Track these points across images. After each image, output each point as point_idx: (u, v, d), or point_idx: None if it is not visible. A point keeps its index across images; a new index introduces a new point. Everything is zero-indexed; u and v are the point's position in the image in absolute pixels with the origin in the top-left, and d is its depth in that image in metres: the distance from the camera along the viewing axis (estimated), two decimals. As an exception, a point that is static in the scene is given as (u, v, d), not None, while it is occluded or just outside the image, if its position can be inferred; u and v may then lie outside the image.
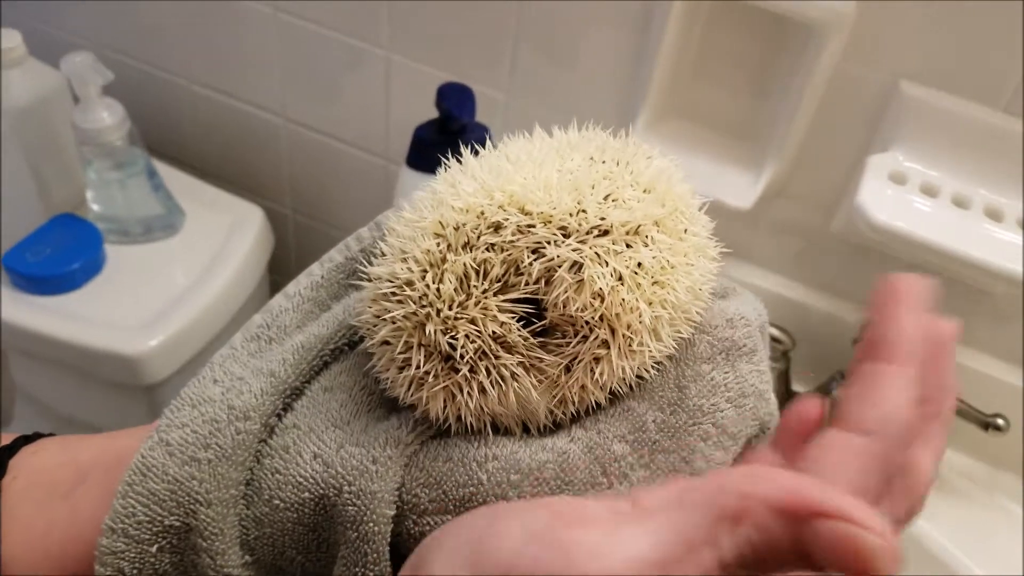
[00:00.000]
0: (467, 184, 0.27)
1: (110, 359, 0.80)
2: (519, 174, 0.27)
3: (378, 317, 0.27)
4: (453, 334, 0.26)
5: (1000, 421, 0.66)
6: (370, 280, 0.28)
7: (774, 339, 0.70)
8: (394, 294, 0.26)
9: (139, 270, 0.86)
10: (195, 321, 0.83)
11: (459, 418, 0.27)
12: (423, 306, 0.26)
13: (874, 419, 0.23)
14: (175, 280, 0.86)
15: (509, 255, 0.26)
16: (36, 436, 0.37)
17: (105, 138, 0.80)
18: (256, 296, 0.93)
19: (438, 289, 0.26)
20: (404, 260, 0.27)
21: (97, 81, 0.78)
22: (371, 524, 0.28)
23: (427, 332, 0.26)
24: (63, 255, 0.82)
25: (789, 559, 0.19)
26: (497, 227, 0.26)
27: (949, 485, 0.74)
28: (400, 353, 0.26)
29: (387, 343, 0.27)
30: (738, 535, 0.19)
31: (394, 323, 0.26)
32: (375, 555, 0.28)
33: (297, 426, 0.31)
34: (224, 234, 0.90)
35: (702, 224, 0.30)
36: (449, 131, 0.67)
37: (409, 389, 0.27)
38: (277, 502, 0.29)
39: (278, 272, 1.09)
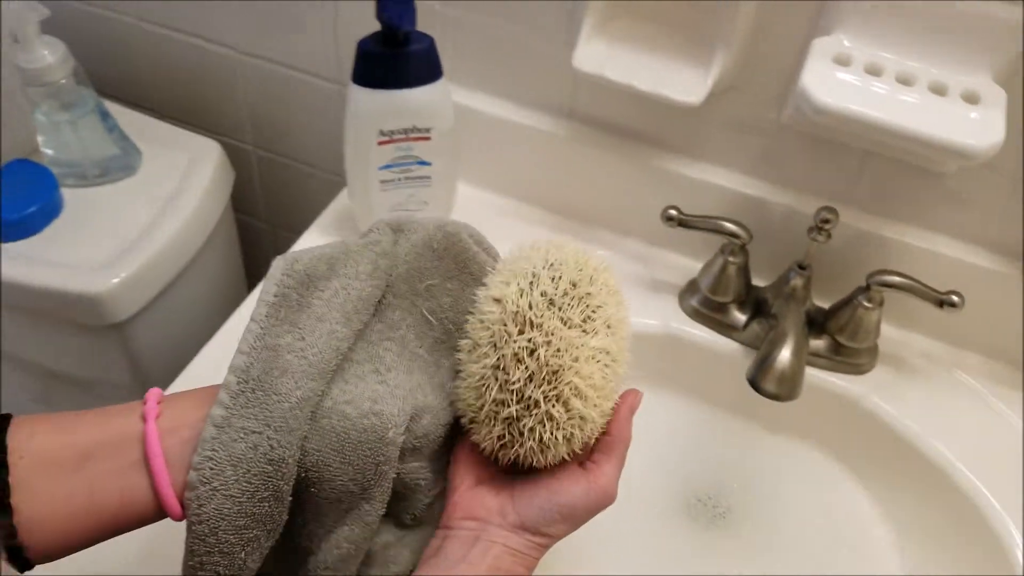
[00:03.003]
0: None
1: (75, 300, 0.80)
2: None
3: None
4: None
5: (955, 298, 0.67)
6: None
7: (732, 234, 0.71)
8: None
9: (98, 212, 0.86)
10: (157, 257, 0.83)
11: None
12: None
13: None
14: (135, 219, 0.86)
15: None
16: (6, 417, 0.41)
17: (48, 77, 0.79)
18: (220, 231, 0.93)
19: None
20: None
21: (32, 18, 0.76)
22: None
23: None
24: (19, 200, 0.82)
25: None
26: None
27: (909, 366, 0.75)
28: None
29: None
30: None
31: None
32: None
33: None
34: (182, 171, 0.89)
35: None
36: (392, 42, 0.66)
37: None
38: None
39: (245, 210, 1.09)
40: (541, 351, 0.43)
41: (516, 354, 0.43)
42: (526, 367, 0.43)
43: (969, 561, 0.67)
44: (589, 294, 0.45)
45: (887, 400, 0.73)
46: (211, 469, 0.40)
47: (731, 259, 0.73)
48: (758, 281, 0.76)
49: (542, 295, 0.44)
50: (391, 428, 0.44)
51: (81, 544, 0.41)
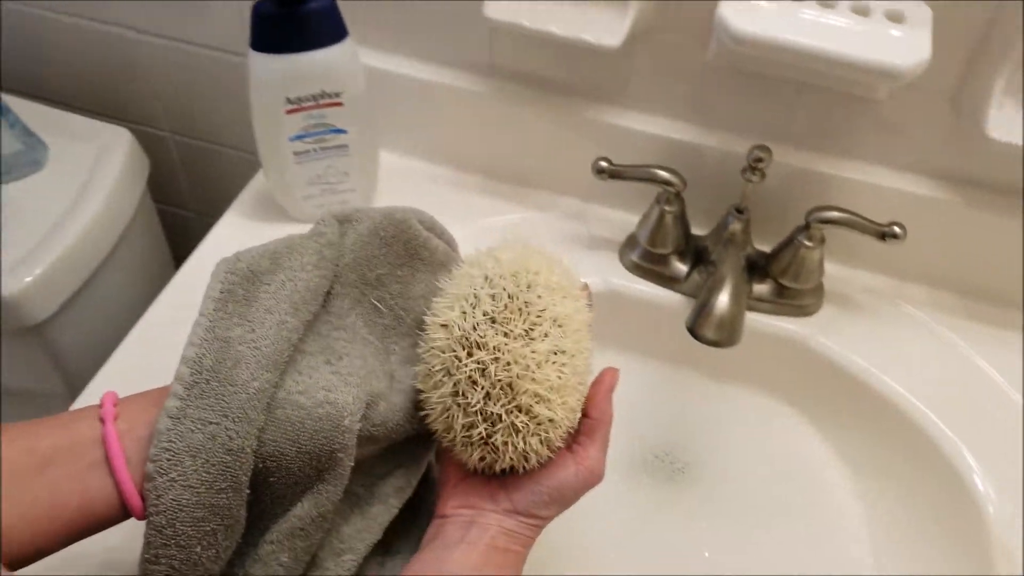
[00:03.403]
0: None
1: (-15, 304, 0.75)
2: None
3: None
4: None
5: (897, 229, 0.65)
6: None
7: (665, 182, 0.68)
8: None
9: (6, 210, 0.81)
10: (71, 252, 0.79)
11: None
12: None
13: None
14: (46, 215, 0.81)
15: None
16: None
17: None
18: (138, 222, 0.88)
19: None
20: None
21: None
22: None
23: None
24: (-84, 204, 0.77)
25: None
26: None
27: (854, 303, 0.73)
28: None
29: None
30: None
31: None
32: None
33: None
34: (92, 162, 0.85)
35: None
36: (289, 1, 0.62)
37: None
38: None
39: (170, 201, 1.04)
40: (491, 368, 0.44)
41: (470, 377, 0.44)
42: (481, 387, 0.44)
43: (925, 492, 0.66)
44: (528, 303, 0.46)
45: (834, 339, 0.71)
46: (168, 460, 0.40)
47: (667, 208, 0.70)
48: (698, 230, 0.74)
49: (484, 314, 0.45)
50: (346, 416, 0.44)
51: (49, 548, 0.42)
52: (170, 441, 0.40)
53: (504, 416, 0.44)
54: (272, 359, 0.44)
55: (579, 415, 0.49)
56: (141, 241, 0.90)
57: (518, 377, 0.44)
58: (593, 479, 0.49)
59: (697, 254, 0.73)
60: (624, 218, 0.77)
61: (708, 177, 0.72)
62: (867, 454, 0.71)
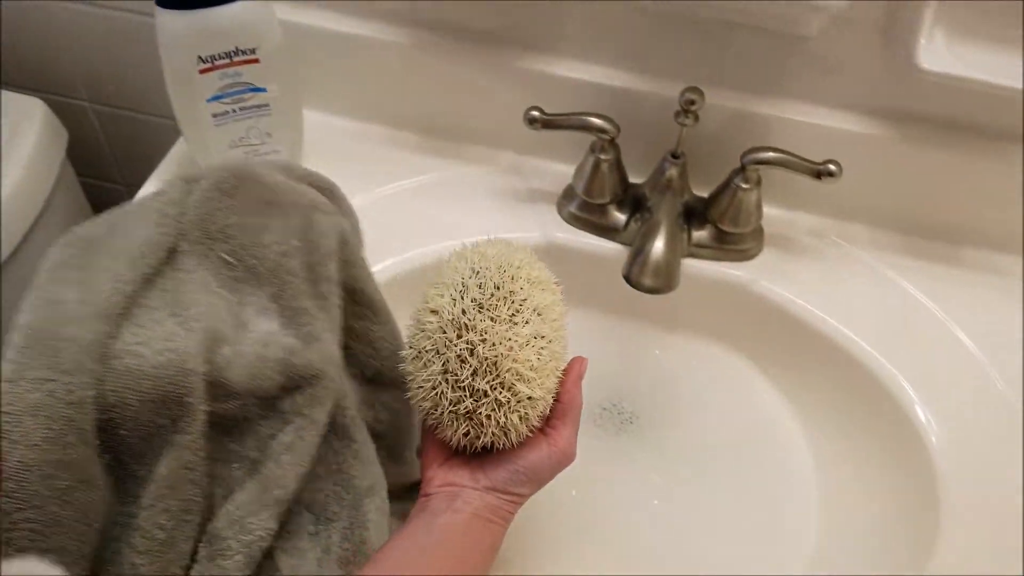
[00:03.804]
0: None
1: None
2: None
3: None
4: None
5: (832, 167, 0.64)
6: None
7: (599, 129, 0.67)
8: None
9: (-86, 191, 0.77)
10: (-14, 231, 0.75)
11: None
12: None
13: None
14: (-43, 193, 0.77)
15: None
16: None
17: None
18: (58, 197, 0.85)
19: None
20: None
21: None
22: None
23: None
24: None
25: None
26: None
27: (796, 245, 0.73)
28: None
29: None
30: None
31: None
32: None
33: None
34: (5, 135, 0.81)
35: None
36: (192, -46, 0.59)
37: None
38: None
39: (97, 175, 1.00)
40: (479, 348, 0.48)
41: (459, 355, 0.48)
42: (469, 364, 0.48)
43: (869, 426, 0.66)
44: (512, 292, 0.50)
45: (776, 282, 0.70)
46: (8, 422, 0.40)
47: (602, 156, 0.68)
48: (636, 178, 0.72)
49: (472, 301, 0.49)
50: (189, 360, 0.45)
51: None
52: (9, 404, 0.40)
53: (489, 392, 0.48)
54: (105, 310, 0.44)
55: (551, 400, 0.52)
56: (65, 217, 0.87)
57: (502, 357, 0.48)
58: (565, 460, 0.52)
59: (635, 202, 0.71)
60: (563, 170, 0.76)
61: (643, 123, 0.71)
62: (813, 394, 0.71)
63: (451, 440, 0.50)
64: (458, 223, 0.72)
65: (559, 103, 0.68)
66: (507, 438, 0.50)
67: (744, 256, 0.71)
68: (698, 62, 0.69)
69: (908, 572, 0.58)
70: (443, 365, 0.49)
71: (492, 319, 0.49)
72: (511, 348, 0.48)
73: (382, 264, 0.68)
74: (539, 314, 0.50)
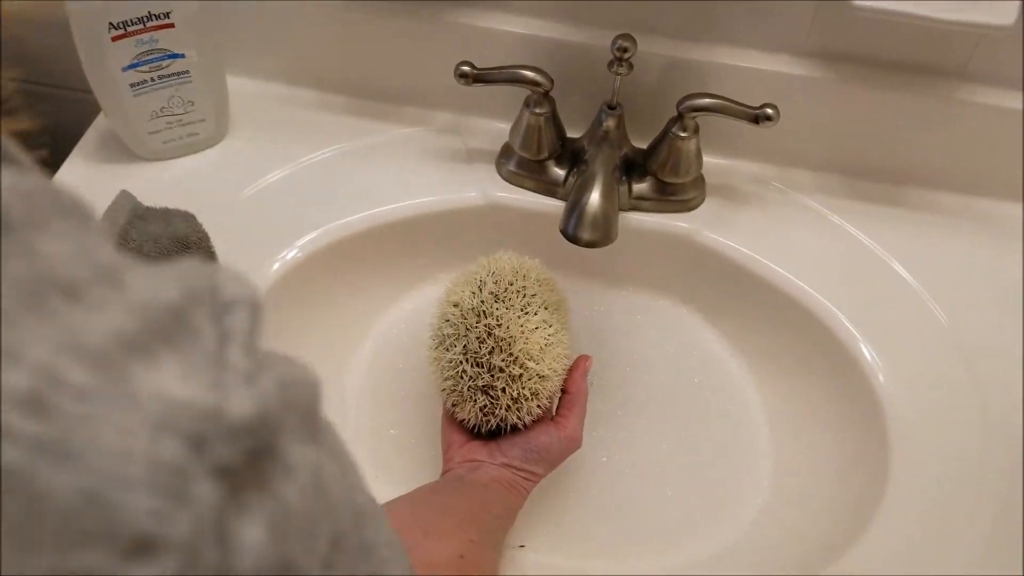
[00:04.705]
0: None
1: None
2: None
3: None
4: None
5: (769, 111, 0.63)
6: None
7: (532, 82, 0.65)
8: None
9: None
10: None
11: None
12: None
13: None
14: None
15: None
16: None
17: None
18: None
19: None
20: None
21: None
22: None
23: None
24: None
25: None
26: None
27: (739, 193, 0.72)
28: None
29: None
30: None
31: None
32: None
33: None
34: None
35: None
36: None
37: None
38: None
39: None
40: (496, 331, 0.56)
41: (479, 336, 0.57)
42: (487, 344, 0.56)
43: (818, 371, 0.66)
44: (525, 287, 0.59)
45: (720, 232, 0.70)
46: None
47: (537, 111, 0.67)
48: (575, 133, 0.71)
49: (490, 293, 0.58)
50: None
51: None
52: None
53: (504, 368, 0.56)
54: None
55: (562, 378, 0.60)
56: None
57: (515, 338, 0.56)
58: (572, 444, 0.59)
59: (574, 156, 0.70)
60: (501, 128, 0.74)
61: (578, 75, 0.69)
62: (761, 343, 0.70)
63: (469, 416, 0.58)
64: (394, 186, 0.70)
65: (492, 58, 0.66)
66: (518, 412, 0.57)
67: (686, 207, 0.70)
68: (629, 9, 0.67)
69: (863, 510, 0.58)
70: (464, 347, 0.57)
71: (507, 308, 0.57)
72: (523, 331, 0.56)
73: (317, 232, 0.67)
74: (547, 308, 0.59)
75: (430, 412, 0.67)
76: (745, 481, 0.65)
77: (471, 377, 0.57)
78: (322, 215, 0.68)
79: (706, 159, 0.69)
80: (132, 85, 0.64)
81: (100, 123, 0.72)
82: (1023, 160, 0.69)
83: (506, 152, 0.72)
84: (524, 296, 0.58)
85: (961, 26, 0.59)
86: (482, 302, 0.57)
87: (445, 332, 0.58)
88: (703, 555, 0.62)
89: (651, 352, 0.72)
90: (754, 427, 0.68)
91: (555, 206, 0.70)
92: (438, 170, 0.72)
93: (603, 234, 0.58)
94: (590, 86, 0.69)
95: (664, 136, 0.67)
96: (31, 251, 0.17)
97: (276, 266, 0.65)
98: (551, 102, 0.67)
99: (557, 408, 0.60)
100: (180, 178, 0.70)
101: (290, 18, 0.71)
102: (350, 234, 0.68)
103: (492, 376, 0.56)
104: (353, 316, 0.71)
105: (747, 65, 0.67)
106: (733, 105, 0.64)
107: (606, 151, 0.65)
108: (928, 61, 0.67)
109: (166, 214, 0.55)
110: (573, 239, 0.59)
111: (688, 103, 0.64)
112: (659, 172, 0.68)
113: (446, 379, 0.58)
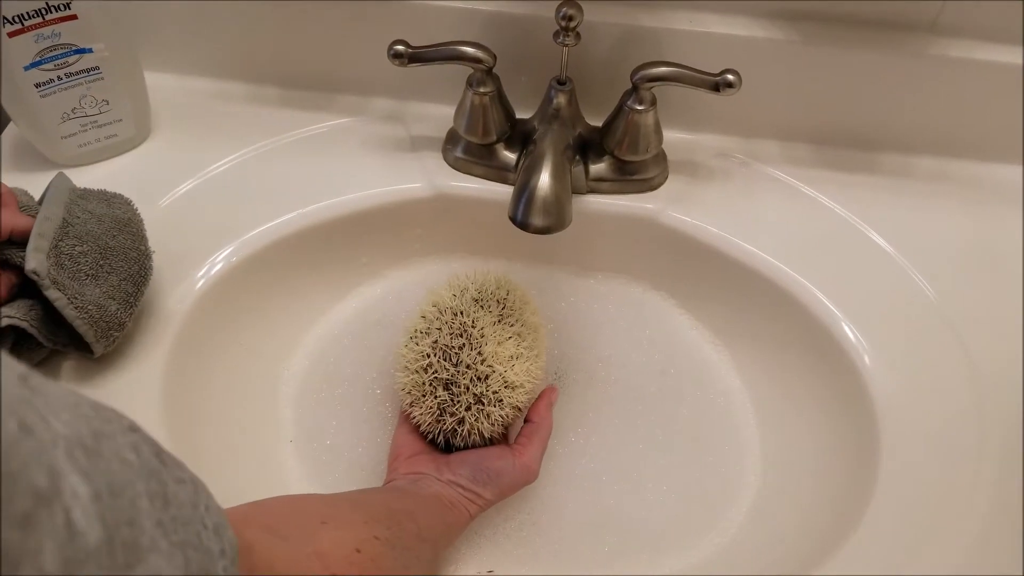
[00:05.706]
0: None
1: None
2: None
3: None
4: None
5: (730, 76, 0.58)
6: None
7: (473, 59, 0.60)
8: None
9: None
10: None
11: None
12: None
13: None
14: None
15: None
16: None
17: None
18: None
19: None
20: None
21: None
22: None
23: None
24: None
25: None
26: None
27: (703, 169, 0.67)
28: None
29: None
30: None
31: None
32: None
33: None
34: None
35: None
36: None
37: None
38: None
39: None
40: (471, 329, 0.56)
41: (452, 332, 0.56)
42: (459, 340, 0.55)
43: (799, 351, 0.62)
44: (505, 298, 0.58)
45: (684, 210, 0.65)
46: None
47: (480, 90, 0.62)
48: (524, 113, 0.66)
49: (471, 298, 0.57)
50: None
51: None
52: None
53: (472, 364, 0.54)
54: None
55: (529, 398, 0.57)
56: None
57: (488, 339, 0.55)
58: (528, 474, 0.55)
59: (525, 138, 0.65)
60: (445, 112, 0.69)
61: (523, 49, 0.64)
62: (738, 325, 0.66)
63: (425, 414, 0.55)
64: (334, 180, 0.65)
65: (430, 35, 0.61)
66: (479, 416, 0.54)
67: (648, 186, 0.66)
68: (577, -23, 0.62)
69: (855, 504, 0.54)
70: (435, 340, 0.55)
71: (486, 312, 0.57)
72: (496, 337, 0.55)
73: (251, 233, 0.61)
74: (523, 326, 0.58)
75: (375, 422, 0.62)
76: (731, 479, 0.61)
77: (436, 371, 0.55)
78: (256, 215, 0.62)
79: (666, 134, 0.65)
80: (37, 85, 0.59)
81: (11, 131, 0.67)
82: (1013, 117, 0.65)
83: (452, 138, 0.67)
84: (504, 307, 0.58)
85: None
86: (461, 303, 0.57)
87: (418, 328, 0.57)
88: (691, 560, 0.57)
89: (625, 339, 0.67)
90: (737, 420, 0.64)
91: (507, 193, 0.64)
92: (380, 161, 0.67)
93: (556, 219, 0.53)
94: (537, 61, 0.64)
95: (619, 110, 0.62)
96: None
97: (205, 272, 0.60)
98: (496, 80, 0.62)
99: (518, 436, 0.57)
100: (101, 182, 0.64)
101: (210, 5, 0.66)
102: (287, 234, 0.63)
103: (458, 371, 0.54)
104: (290, 320, 0.66)
105: (704, 30, 0.63)
106: (691, 73, 0.59)
107: (556, 129, 0.60)
108: (897, 16, 0.63)
109: (105, 195, 0.56)
110: (523, 226, 0.54)
111: (643, 73, 0.59)
112: (617, 150, 0.63)
113: (411, 373, 0.56)
